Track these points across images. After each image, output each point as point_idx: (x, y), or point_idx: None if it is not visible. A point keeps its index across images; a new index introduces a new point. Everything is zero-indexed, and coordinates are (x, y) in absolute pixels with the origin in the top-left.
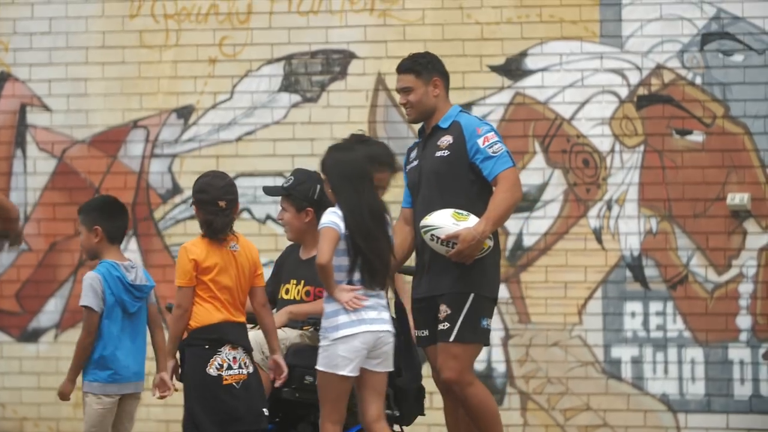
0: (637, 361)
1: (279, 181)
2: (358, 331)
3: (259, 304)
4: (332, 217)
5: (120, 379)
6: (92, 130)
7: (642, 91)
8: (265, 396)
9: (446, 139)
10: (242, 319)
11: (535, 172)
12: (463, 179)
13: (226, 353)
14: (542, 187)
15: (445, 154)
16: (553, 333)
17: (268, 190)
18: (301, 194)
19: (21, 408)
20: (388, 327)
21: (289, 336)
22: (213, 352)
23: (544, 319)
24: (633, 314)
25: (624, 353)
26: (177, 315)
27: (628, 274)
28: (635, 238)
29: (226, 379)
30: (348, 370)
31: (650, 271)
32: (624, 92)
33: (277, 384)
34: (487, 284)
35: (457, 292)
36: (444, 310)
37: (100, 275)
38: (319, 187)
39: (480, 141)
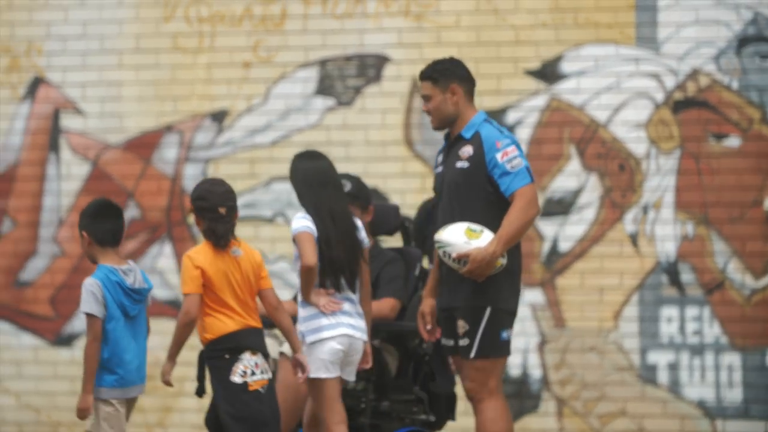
0: (673, 367)
1: None
2: (336, 334)
3: (272, 306)
4: (304, 222)
5: (126, 383)
6: (126, 134)
7: (678, 95)
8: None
9: (467, 150)
10: (258, 324)
11: (570, 176)
12: (481, 192)
13: (248, 359)
14: (578, 192)
15: (465, 166)
16: (589, 338)
17: None
18: (365, 195)
19: (55, 413)
20: (362, 335)
21: None
22: (234, 360)
23: (580, 324)
24: (669, 319)
25: (660, 359)
26: (184, 321)
27: (665, 279)
28: (671, 242)
29: (251, 385)
30: (333, 372)
31: (686, 276)
32: (660, 96)
33: (300, 381)
34: (503, 298)
35: (473, 306)
36: (462, 325)
37: (99, 280)
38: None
39: (499, 155)
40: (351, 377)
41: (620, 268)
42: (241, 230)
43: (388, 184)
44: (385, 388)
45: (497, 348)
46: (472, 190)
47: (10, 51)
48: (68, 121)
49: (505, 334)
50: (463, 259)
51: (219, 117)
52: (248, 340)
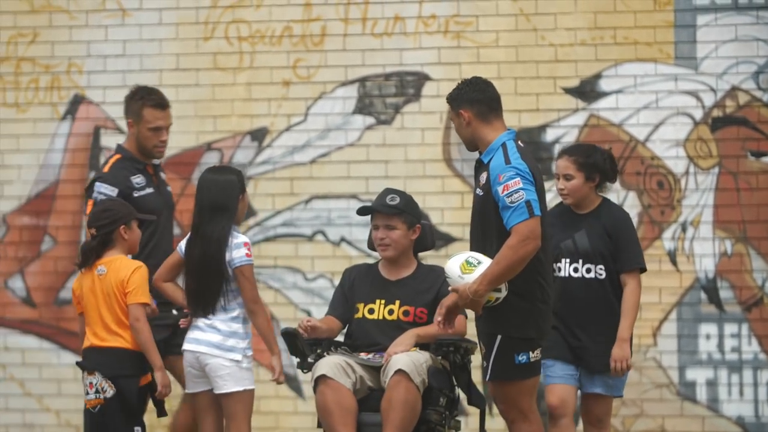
0: (712, 384)
1: (353, 204)
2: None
3: (132, 319)
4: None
5: None
6: (166, 152)
7: (716, 112)
8: (130, 419)
9: (483, 177)
10: (109, 343)
11: (610, 194)
12: (493, 220)
13: (87, 378)
14: None
15: (480, 194)
16: None
17: (383, 208)
18: (413, 211)
19: None
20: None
21: (427, 357)
22: (84, 378)
23: None
24: (708, 336)
25: (699, 375)
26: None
27: (703, 295)
28: (710, 259)
29: (86, 403)
30: (189, 387)
31: (725, 293)
32: (699, 114)
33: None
34: (515, 325)
35: (485, 332)
36: (481, 347)
37: None
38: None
39: (500, 189)
40: (220, 390)
41: (659, 285)
42: (281, 248)
43: (427, 202)
44: (452, 405)
45: (512, 372)
46: (488, 218)
47: (50, 70)
48: (108, 140)
49: (521, 358)
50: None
51: (259, 135)
52: (87, 360)
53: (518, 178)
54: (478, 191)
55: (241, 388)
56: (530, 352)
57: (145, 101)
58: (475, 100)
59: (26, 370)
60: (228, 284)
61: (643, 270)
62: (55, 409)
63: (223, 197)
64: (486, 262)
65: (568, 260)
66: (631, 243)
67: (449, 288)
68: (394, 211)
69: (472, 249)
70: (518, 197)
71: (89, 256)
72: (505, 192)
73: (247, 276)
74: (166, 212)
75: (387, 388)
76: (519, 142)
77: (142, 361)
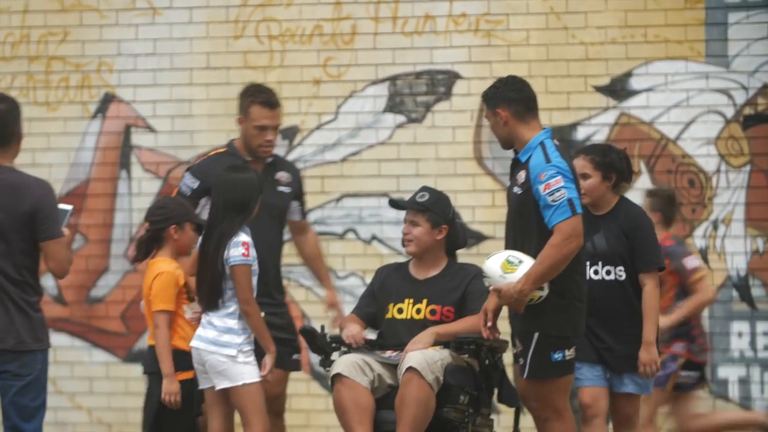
0: (744, 381)
1: (384, 202)
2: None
3: (153, 325)
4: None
5: None
6: (196, 150)
7: (748, 110)
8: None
9: (521, 176)
10: (151, 340)
11: (641, 192)
12: (533, 219)
13: None
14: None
15: (518, 192)
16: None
17: (405, 204)
18: (440, 211)
19: (127, 428)
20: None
21: (444, 355)
22: None
23: None
24: (740, 334)
25: (731, 373)
26: None
27: (735, 293)
28: (741, 257)
29: None
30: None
31: (757, 291)
32: (730, 112)
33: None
34: (553, 323)
35: (522, 330)
36: (517, 345)
37: None
38: (453, 208)
39: (541, 187)
40: (218, 386)
41: None
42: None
43: (458, 200)
44: (478, 403)
45: (549, 369)
46: (527, 218)
47: (81, 68)
48: (139, 138)
49: (557, 356)
50: (498, 291)
51: (289, 134)
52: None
53: (559, 177)
54: (516, 189)
55: (239, 383)
56: (566, 350)
57: (254, 98)
58: (513, 99)
59: (58, 368)
60: (225, 281)
61: (662, 269)
62: (86, 407)
63: (244, 197)
64: (527, 260)
65: (588, 263)
66: (648, 243)
67: (490, 288)
68: (418, 207)
69: (507, 247)
70: (560, 195)
71: (139, 251)
72: (547, 190)
73: (240, 276)
74: (261, 212)
75: (400, 386)
76: (555, 141)
77: (177, 360)
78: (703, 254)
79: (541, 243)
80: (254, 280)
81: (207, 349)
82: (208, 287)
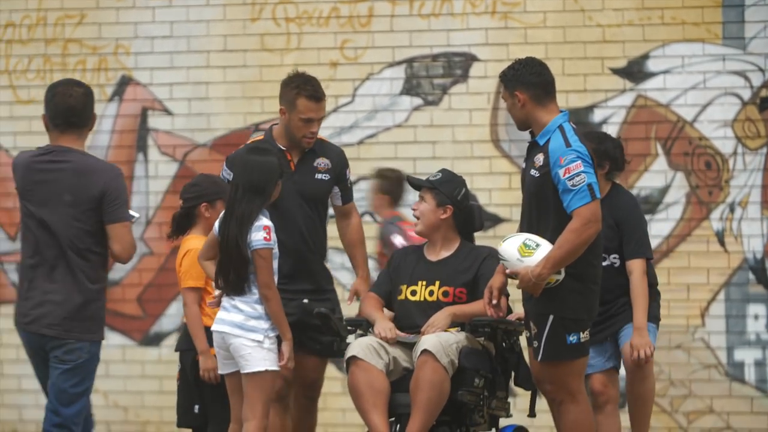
0: (760, 364)
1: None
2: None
3: (183, 303)
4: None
5: None
6: (213, 133)
7: (765, 92)
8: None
9: (539, 159)
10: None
11: (657, 174)
12: (551, 202)
13: None
14: (664, 190)
15: (536, 175)
16: (675, 335)
17: (415, 180)
18: (446, 191)
19: (143, 412)
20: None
21: (460, 338)
22: None
23: (667, 321)
24: (756, 317)
25: (747, 356)
26: None
27: (751, 276)
28: (758, 240)
29: None
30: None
31: None
32: (746, 94)
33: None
34: (568, 306)
35: (537, 313)
36: (532, 327)
37: None
38: (464, 189)
39: (561, 171)
40: (243, 370)
41: (707, 266)
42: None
43: (475, 182)
44: (493, 386)
45: (563, 352)
46: (545, 201)
47: (97, 51)
48: (156, 121)
49: (572, 338)
50: (514, 275)
51: None
52: None
53: (579, 161)
54: (533, 172)
55: (262, 369)
56: (581, 333)
57: (301, 91)
58: (531, 83)
59: None
60: (250, 266)
61: (650, 258)
62: (103, 391)
63: (262, 179)
64: (544, 244)
65: None
66: (636, 232)
67: (507, 271)
68: (426, 184)
69: (522, 229)
70: (580, 180)
71: (173, 228)
72: (567, 175)
73: (262, 259)
74: (291, 198)
75: (415, 369)
76: (572, 124)
77: (209, 337)
78: (720, 237)
79: (558, 226)
80: (275, 264)
81: (232, 333)
82: (234, 271)
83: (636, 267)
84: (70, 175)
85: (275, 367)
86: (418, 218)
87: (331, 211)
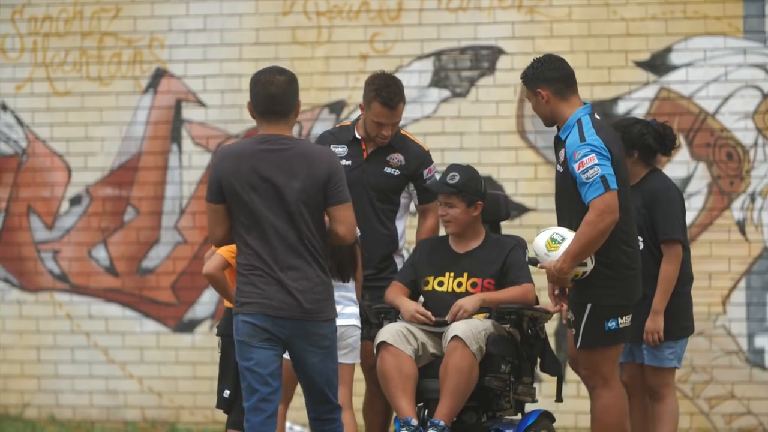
0: None
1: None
2: None
3: None
4: None
5: None
6: (246, 125)
7: None
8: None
9: (561, 154)
10: None
11: (680, 165)
12: (574, 196)
13: None
14: (687, 180)
15: (560, 171)
16: (697, 323)
17: (437, 188)
18: (472, 189)
19: (177, 397)
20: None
21: (487, 325)
22: None
23: None
24: None
25: (767, 342)
26: None
27: None
28: None
29: None
30: None
31: None
32: (767, 87)
33: None
34: (605, 293)
35: (575, 302)
36: (570, 315)
37: None
38: (483, 181)
39: (576, 166)
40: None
41: (728, 254)
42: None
43: (502, 173)
44: (519, 371)
45: (602, 338)
46: (569, 195)
47: (132, 44)
48: (189, 113)
49: (611, 324)
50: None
51: (337, 108)
52: None
53: (593, 155)
54: (558, 167)
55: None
56: (619, 318)
57: (377, 95)
58: (553, 78)
59: (110, 338)
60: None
61: (682, 243)
62: (137, 376)
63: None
64: (569, 237)
65: None
66: (664, 215)
67: (537, 266)
68: (450, 190)
69: (559, 223)
70: (593, 173)
71: None
72: (581, 168)
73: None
74: (358, 188)
75: (444, 355)
76: (595, 116)
77: None
78: (741, 226)
79: (581, 217)
80: None
81: (357, 324)
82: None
83: (666, 250)
84: (296, 158)
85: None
86: (449, 222)
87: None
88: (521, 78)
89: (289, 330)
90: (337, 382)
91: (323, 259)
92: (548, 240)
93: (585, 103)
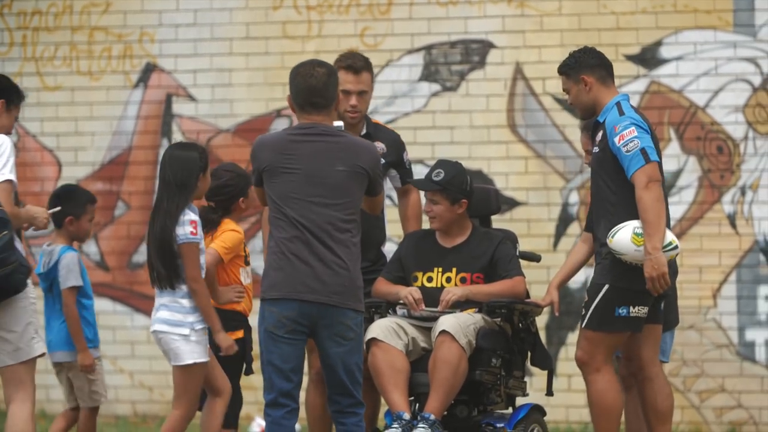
0: None
1: (420, 169)
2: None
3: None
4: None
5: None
6: (236, 119)
7: None
8: None
9: (599, 135)
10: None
11: (670, 158)
12: (614, 175)
13: None
14: (677, 174)
15: (597, 151)
16: (688, 316)
17: (421, 185)
18: (456, 187)
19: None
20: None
21: (477, 319)
22: None
23: (679, 302)
24: (767, 297)
25: (758, 336)
26: None
27: (762, 258)
28: None
29: None
30: None
31: None
32: (757, 80)
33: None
34: (626, 276)
35: (594, 283)
36: (585, 297)
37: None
38: (468, 177)
39: (616, 139)
40: (173, 362)
41: (718, 248)
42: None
43: (492, 167)
44: (510, 365)
45: (608, 323)
46: (608, 175)
47: (123, 39)
48: (180, 107)
49: (621, 310)
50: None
51: None
52: None
53: (633, 127)
54: (595, 149)
55: (190, 362)
56: (631, 307)
57: (340, 63)
58: (596, 65)
59: (100, 333)
60: (178, 260)
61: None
62: (128, 371)
63: (184, 174)
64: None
65: None
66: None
67: (630, 263)
68: (434, 187)
69: (592, 204)
70: (633, 146)
71: (208, 227)
72: (621, 141)
73: (188, 253)
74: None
75: (433, 349)
76: (631, 103)
77: (227, 320)
78: (731, 220)
79: (621, 199)
80: (202, 259)
81: (161, 329)
82: (163, 266)
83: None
84: (335, 146)
85: (204, 359)
86: (433, 218)
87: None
88: (560, 70)
89: (316, 316)
90: (361, 378)
91: (355, 248)
92: (633, 236)
93: (622, 93)
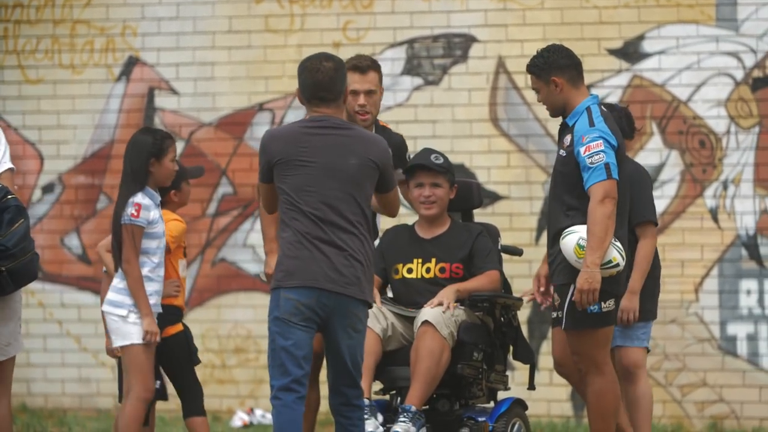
0: (752, 338)
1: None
2: None
3: None
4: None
5: None
6: (219, 113)
7: (757, 73)
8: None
9: (567, 139)
10: None
11: (652, 152)
12: (575, 180)
13: None
14: (659, 168)
15: (563, 155)
16: (670, 310)
17: (433, 165)
18: (452, 172)
19: None
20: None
21: (459, 312)
22: None
23: (662, 296)
24: (748, 292)
25: (740, 330)
26: None
27: (744, 252)
28: (750, 217)
29: None
30: None
31: (765, 250)
32: (739, 74)
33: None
34: None
35: (561, 284)
36: (556, 299)
37: None
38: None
39: (582, 149)
40: (113, 344)
41: (701, 242)
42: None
43: (474, 161)
44: (491, 359)
45: (585, 320)
46: (569, 177)
47: (105, 32)
48: (162, 101)
49: (593, 307)
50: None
51: None
52: None
53: (601, 141)
54: (561, 152)
55: (127, 343)
56: (602, 303)
57: (347, 65)
58: (566, 66)
59: (82, 326)
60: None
61: (656, 224)
62: (110, 365)
63: (134, 159)
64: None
65: None
66: (641, 198)
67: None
68: (441, 169)
69: (550, 204)
70: (598, 159)
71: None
72: (587, 153)
73: (125, 234)
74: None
75: (415, 339)
76: (602, 107)
77: (165, 314)
78: (713, 214)
79: (580, 204)
80: (147, 243)
81: (105, 309)
82: (115, 249)
83: (642, 232)
84: (346, 138)
85: (140, 341)
86: (434, 203)
87: None
88: (528, 69)
89: (332, 306)
90: (362, 368)
91: (367, 241)
92: (576, 246)
93: (592, 94)
